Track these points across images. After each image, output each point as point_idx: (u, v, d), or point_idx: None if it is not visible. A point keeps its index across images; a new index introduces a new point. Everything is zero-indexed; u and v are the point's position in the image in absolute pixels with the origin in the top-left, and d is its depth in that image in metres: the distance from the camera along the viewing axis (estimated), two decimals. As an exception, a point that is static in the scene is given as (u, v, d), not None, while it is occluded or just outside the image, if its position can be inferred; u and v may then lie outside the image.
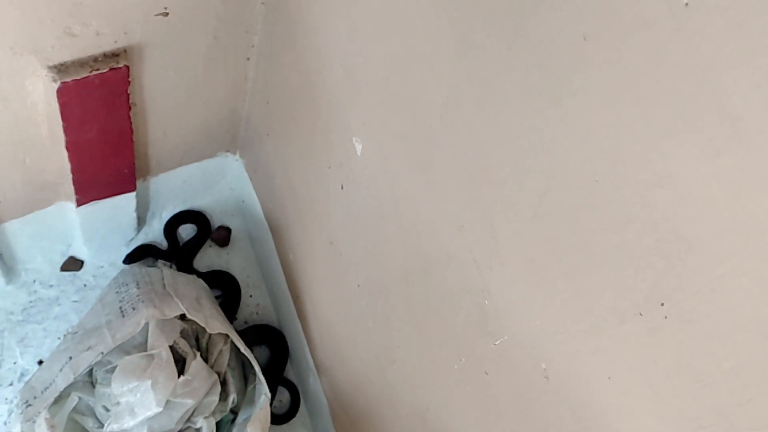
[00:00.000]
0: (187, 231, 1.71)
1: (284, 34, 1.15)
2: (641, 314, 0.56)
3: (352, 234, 1.09)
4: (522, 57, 0.62)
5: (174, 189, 1.60)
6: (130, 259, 1.60)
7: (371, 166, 0.96)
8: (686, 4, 0.45)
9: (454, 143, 0.76)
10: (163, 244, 1.67)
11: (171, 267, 1.61)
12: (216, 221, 1.72)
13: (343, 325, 1.22)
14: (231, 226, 1.73)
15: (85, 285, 1.62)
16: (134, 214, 1.54)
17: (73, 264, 1.61)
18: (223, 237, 1.71)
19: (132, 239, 1.65)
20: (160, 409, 1.26)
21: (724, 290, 0.48)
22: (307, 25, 1.06)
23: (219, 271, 1.68)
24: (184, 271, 1.59)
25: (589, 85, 0.55)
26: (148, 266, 1.57)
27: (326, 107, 1.07)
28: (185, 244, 1.67)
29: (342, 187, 1.07)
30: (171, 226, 1.67)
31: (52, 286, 1.60)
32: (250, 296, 1.69)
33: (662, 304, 0.54)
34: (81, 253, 1.61)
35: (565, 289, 0.64)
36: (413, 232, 0.90)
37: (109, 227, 1.53)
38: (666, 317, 0.54)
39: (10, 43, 1.00)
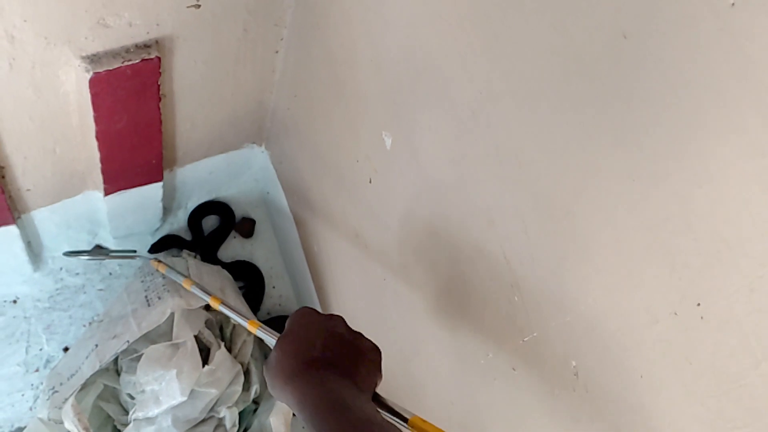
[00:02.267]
0: (211, 222, 1.72)
1: (313, 27, 1.15)
2: (676, 313, 0.56)
3: (379, 227, 1.10)
4: (559, 52, 0.62)
5: (200, 180, 1.62)
6: (155, 248, 1.62)
7: (400, 159, 0.97)
8: (732, 4, 0.45)
9: (486, 138, 0.76)
10: (188, 235, 1.68)
11: (195, 257, 1.62)
12: (240, 212, 1.74)
13: (367, 317, 1.23)
14: (255, 218, 1.75)
15: (110, 273, 1.64)
16: (160, 204, 1.55)
17: (99, 252, 1.62)
18: (247, 228, 1.73)
19: (157, 229, 1.67)
20: (185, 398, 1.28)
21: (765, 290, 0.48)
22: (337, 20, 1.06)
23: (243, 261, 1.69)
24: (209, 262, 1.60)
25: (627, 83, 0.55)
26: (173, 256, 1.59)
27: (355, 101, 1.07)
28: (209, 235, 1.68)
29: (370, 181, 1.08)
30: (195, 217, 1.68)
31: (78, 274, 1.62)
32: (273, 287, 1.70)
33: (698, 304, 0.54)
34: (107, 241, 1.62)
35: (598, 286, 0.64)
36: (442, 226, 0.90)
37: (135, 217, 1.55)
38: (702, 317, 0.54)
39: (44, 33, 1.01)
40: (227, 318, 1.43)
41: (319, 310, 1.48)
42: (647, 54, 0.52)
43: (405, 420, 0.70)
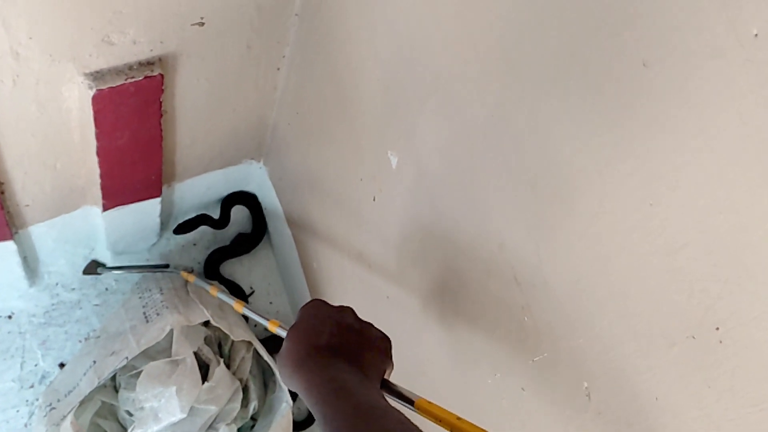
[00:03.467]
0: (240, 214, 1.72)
1: (317, 45, 1.16)
2: (694, 337, 0.57)
3: (383, 246, 1.10)
4: (576, 78, 0.62)
5: (198, 195, 1.61)
6: (182, 228, 1.60)
7: (407, 179, 0.97)
8: (756, 35, 0.46)
9: (498, 161, 0.76)
10: (183, 254, 1.68)
11: (191, 272, 1.62)
12: (237, 228, 1.73)
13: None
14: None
15: (106, 289, 1.63)
16: (158, 220, 1.55)
17: (95, 268, 1.61)
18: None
19: (154, 244, 1.66)
20: (185, 415, 1.27)
21: (787, 318, 0.48)
22: (342, 39, 1.07)
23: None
24: (210, 275, 1.60)
25: (647, 110, 0.55)
26: (170, 272, 1.58)
27: (360, 119, 1.07)
28: (216, 251, 1.68)
29: (374, 199, 1.08)
30: (229, 202, 1.67)
31: (74, 289, 1.61)
32: (270, 303, 1.70)
33: (717, 329, 0.54)
34: (103, 257, 1.62)
35: (614, 309, 0.65)
36: (451, 247, 0.90)
37: (133, 232, 1.54)
38: (721, 341, 0.54)
39: (50, 50, 1.01)
40: (226, 335, 1.43)
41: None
42: (668, 83, 0.53)
43: (411, 403, 0.72)
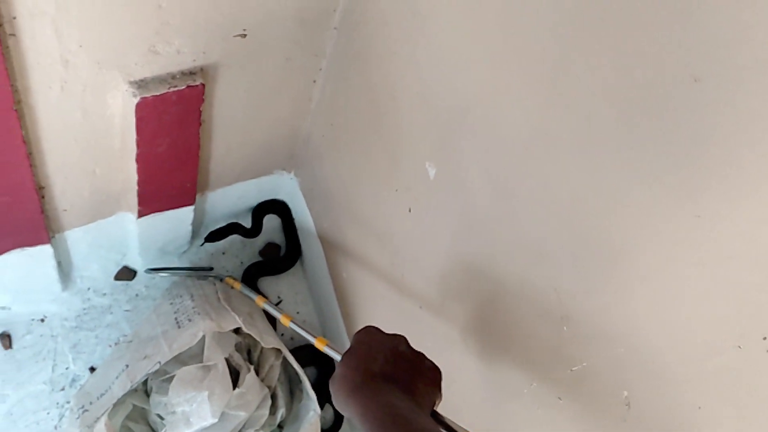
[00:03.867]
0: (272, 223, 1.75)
1: (355, 58, 1.18)
2: (740, 347, 0.58)
3: (417, 255, 1.11)
4: (621, 94, 0.64)
5: (228, 204, 1.64)
6: (213, 237, 1.63)
7: (445, 190, 0.99)
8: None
9: (538, 174, 0.78)
10: (212, 263, 1.70)
11: (221, 281, 1.64)
12: (266, 238, 1.75)
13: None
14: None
15: (136, 295, 1.65)
16: (190, 228, 1.57)
17: (126, 274, 1.64)
18: (272, 253, 1.74)
19: (184, 252, 1.68)
20: (216, 420, 1.28)
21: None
22: (381, 53, 1.09)
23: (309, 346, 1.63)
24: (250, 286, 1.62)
25: (696, 125, 0.57)
26: (200, 279, 1.60)
27: (397, 131, 1.09)
28: (254, 266, 1.69)
29: (410, 210, 1.10)
30: (260, 211, 1.70)
31: (105, 294, 1.63)
32: (297, 312, 1.71)
33: (764, 338, 0.55)
34: (135, 263, 1.64)
35: (655, 319, 0.66)
36: (488, 257, 0.92)
37: (165, 239, 1.57)
38: None
39: (98, 58, 1.04)
40: (255, 342, 1.44)
41: (345, 335, 1.50)
42: (719, 98, 0.54)
43: None
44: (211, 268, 1.64)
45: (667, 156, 0.60)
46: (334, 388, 0.74)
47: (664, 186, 0.62)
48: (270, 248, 1.75)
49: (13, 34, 0.93)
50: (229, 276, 1.50)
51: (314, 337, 1.01)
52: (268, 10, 1.11)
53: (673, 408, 0.66)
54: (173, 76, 1.14)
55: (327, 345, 0.96)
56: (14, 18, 0.91)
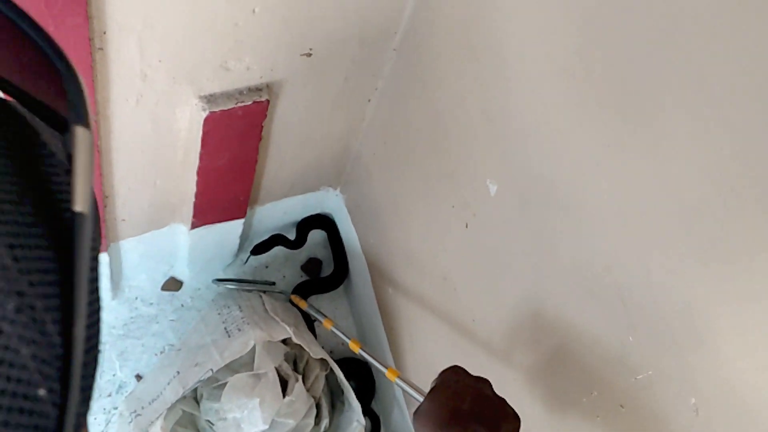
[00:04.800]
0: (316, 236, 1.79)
1: (413, 79, 1.23)
2: (816, 353, 0.61)
3: (473, 270, 1.15)
4: (704, 111, 0.68)
5: (275, 219, 1.68)
6: (258, 250, 1.67)
7: (506, 206, 1.02)
8: None
9: (609, 189, 0.81)
10: (255, 276, 1.75)
11: (265, 293, 1.68)
12: (308, 253, 1.79)
13: (450, 358, 1.27)
14: (321, 258, 1.80)
15: (182, 305, 1.69)
16: (238, 240, 1.62)
17: (173, 284, 1.68)
18: (313, 268, 1.78)
19: (229, 264, 1.72)
20: (266, 427, 1.32)
21: None
22: (442, 72, 1.13)
23: (354, 359, 1.68)
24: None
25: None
26: (246, 290, 1.64)
27: (456, 148, 1.13)
28: (303, 285, 1.73)
29: (467, 226, 1.14)
30: (306, 225, 1.74)
31: (152, 304, 1.67)
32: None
33: (842, 344, 0.59)
34: (182, 274, 1.68)
35: (728, 325, 0.69)
36: (550, 271, 0.95)
37: (214, 251, 1.61)
38: None
39: (174, 73, 1.08)
40: (301, 353, 1.48)
41: (389, 353, 1.53)
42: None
43: None
44: (274, 283, 1.71)
45: (753, 166, 0.64)
46: (421, 422, 0.78)
47: (744, 192, 0.65)
48: (312, 263, 1.79)
49: (101, 48, 0.98)
50: (294, 294, 1.59)
51: (386, 367, 1.06)
52: (335, 29, 1.16)
53: (743, 414, 0.69)
54: (241, 92, 1.19)
55: (398, 376, 1.01)
56: (104, 33, 0.96)
